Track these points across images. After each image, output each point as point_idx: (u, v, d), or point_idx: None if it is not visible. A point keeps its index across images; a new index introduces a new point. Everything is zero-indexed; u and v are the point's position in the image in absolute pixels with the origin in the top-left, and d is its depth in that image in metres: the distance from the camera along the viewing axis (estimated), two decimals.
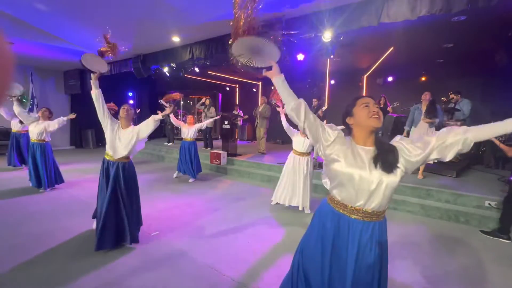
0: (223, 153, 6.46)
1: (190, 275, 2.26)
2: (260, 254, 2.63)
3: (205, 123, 5.77)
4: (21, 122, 5.95)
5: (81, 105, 9.58)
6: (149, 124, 2.65)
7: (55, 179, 4.67)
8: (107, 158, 2.63)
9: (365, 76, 7.98)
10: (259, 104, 7.08)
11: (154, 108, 10.26)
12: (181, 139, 5.57)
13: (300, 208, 3.71)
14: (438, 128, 4.30)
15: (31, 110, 8.42)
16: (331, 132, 1.27)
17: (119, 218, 2.59)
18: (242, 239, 2.93)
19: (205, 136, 8.03)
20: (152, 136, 10.51)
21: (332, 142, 1.24)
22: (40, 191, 4.46)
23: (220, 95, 10.87)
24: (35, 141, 4.48)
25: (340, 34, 4.38)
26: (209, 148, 7.78)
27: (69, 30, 5.38)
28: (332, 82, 8.45)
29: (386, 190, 1.15)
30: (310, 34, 4.06)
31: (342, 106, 1.37)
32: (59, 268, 2.30)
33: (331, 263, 1.27)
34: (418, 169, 4.61)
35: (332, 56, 5.03)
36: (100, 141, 10.29)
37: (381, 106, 6.68)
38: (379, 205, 1.18)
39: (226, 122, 6.82)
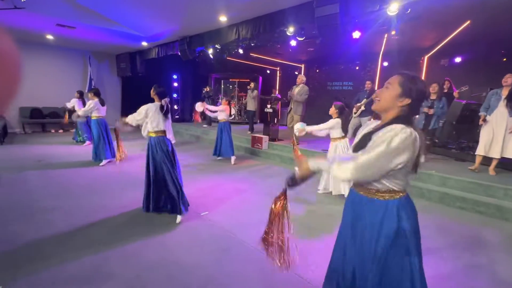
0: (265, 138, 6.36)
1: (241, 259, 2.23)
2: (319, 247, 2.49)
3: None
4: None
5: (130, 87, 10.22)
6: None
7: (109, 153, 5.07)
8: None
9: (426, 57, 7.05)
10: (296, 84, 5.89)
11: (198, 91, 10.50)
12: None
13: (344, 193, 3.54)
14: None
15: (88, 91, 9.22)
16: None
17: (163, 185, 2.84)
18: (295, 230, 2.82)
19: (250, 119, 8.01)
20: (191, 119, 10.88)
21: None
22: (100, 164, 4.91)
23: (261, 78, 10.66)
24: (92, 117, 5.00)
25: (408, 6, 3.82)
26: (249, 132, 7.75)
27: (121, 12, 5.55)
28: (385, 64, 7.66)
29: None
30: (375, 7, 3.59)
31: None
32: (118, 237, 2.45)
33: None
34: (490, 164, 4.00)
35: (393, 33, 4.45)
36: None
37: (445, 90, 5.86)
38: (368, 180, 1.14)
39: (268, 106, 6.64)
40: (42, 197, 3.32)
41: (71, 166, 4.79)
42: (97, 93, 5.01)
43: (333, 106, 3.49)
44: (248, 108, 8.07)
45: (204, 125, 9.16)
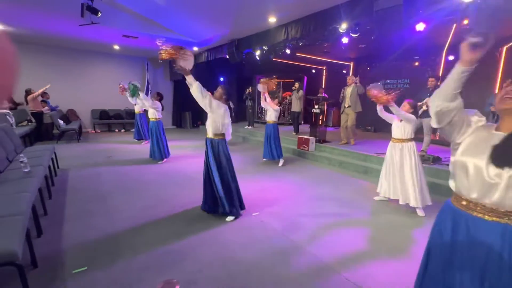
0: (312, 139, 6.18)
1: (299, 263, 2.17)
2: (373, 254, 2.32)
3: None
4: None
5: (181, 90, 10.93)
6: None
7: (166, 153, 5.44)
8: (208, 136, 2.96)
9: (505, 48, 6.06)
10: (348, 84, 6.00)
11: (242, 92, 10.75)
12: (264, 122, 5.59)
13: (412, 204, 3.14)
14: None
15: (146, 94, 10.11)
16: (474, 121, 1.08)
17: (213, 186, 2.90)
18: (348, 235, 2.67)
19: (295, 120, 7.92)
20: (236, 119, 11.16)
21: (469, 134, 1.06)
22: (158, 162, 5.30)
23: (306, 78, 10.42)
24: (151, 119, 5.31)
25: None
26: (294, 133, 7.63)
27: (176, 20, 5.94)
28: (451, 58, 6.81)
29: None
30: None
31: (464, 89, 1.02)
32: (178, 231, 2.60)
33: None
34: None
35: (466, 22, 3.92)
36: (195, 122, 11.56)
37: None
38: (500, 200, 0.95)
39: (316, 107, 6.45)
40: (113, 192, 3.73)
41: (135, 163, 5.29)
42: (161, 97, 5.45)
43: (406, 103, 3.18)
44: (292, 109, 7.97)
45: (246, 126, 9.31)
